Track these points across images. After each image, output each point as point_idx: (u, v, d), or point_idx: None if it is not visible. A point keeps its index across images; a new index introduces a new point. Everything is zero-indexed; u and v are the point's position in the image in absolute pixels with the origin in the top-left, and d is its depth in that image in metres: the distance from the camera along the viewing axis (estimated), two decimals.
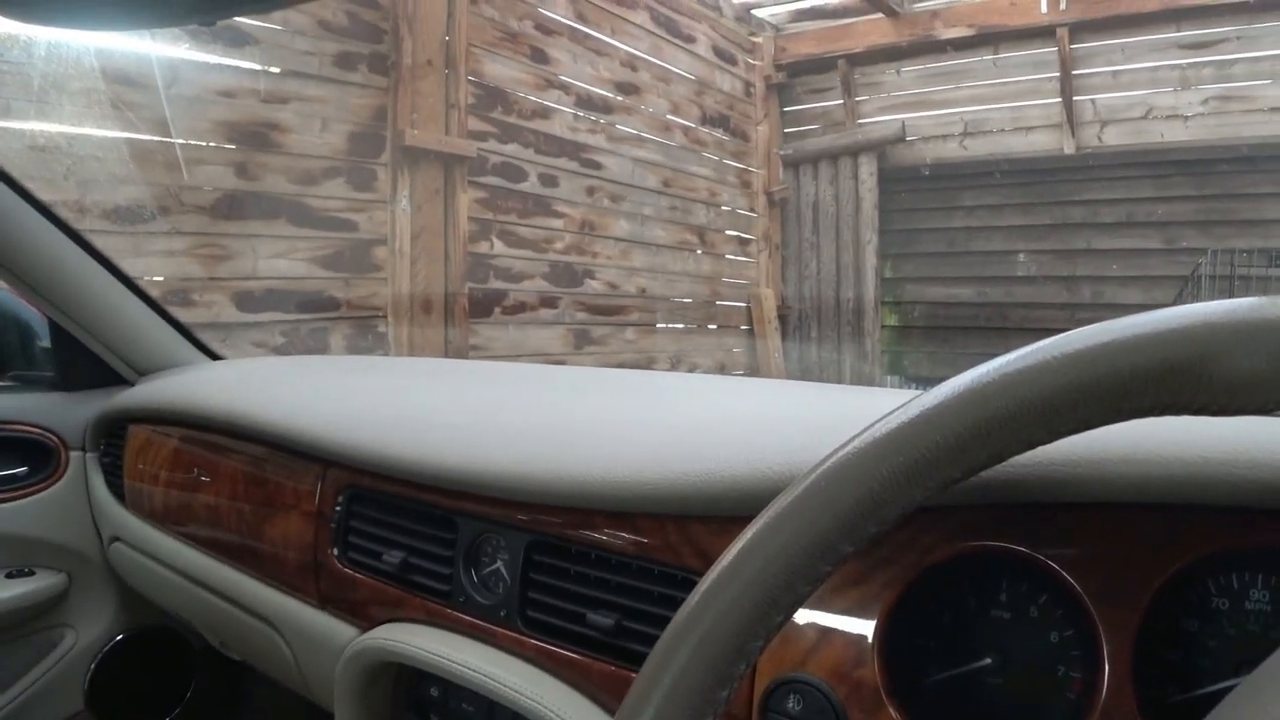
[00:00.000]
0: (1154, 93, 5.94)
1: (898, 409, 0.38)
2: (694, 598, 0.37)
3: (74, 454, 1.51)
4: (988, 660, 0.54)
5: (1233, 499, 0.47)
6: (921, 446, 0.36)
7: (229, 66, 3.36)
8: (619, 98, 5.48)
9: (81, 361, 1.53)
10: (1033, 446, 0.36)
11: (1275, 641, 0.47)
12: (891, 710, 0.53)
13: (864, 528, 0.36)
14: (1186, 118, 5.86)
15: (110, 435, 1.48)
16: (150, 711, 1.59)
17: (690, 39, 6.16)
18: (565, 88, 5.04)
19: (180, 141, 3.21)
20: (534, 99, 4.80)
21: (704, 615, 0.36)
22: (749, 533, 0.38)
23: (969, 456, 0.36)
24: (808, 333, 6.96)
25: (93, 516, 1.50)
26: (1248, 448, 0.47)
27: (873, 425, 0.38)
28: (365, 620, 0.94)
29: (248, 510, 1.12)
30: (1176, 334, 0.33)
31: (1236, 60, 5.69)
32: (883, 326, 6.93)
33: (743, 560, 0.37)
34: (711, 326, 6.53)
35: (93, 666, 1.51)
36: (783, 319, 6.96)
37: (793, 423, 0.79)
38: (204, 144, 3.30)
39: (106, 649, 1.53)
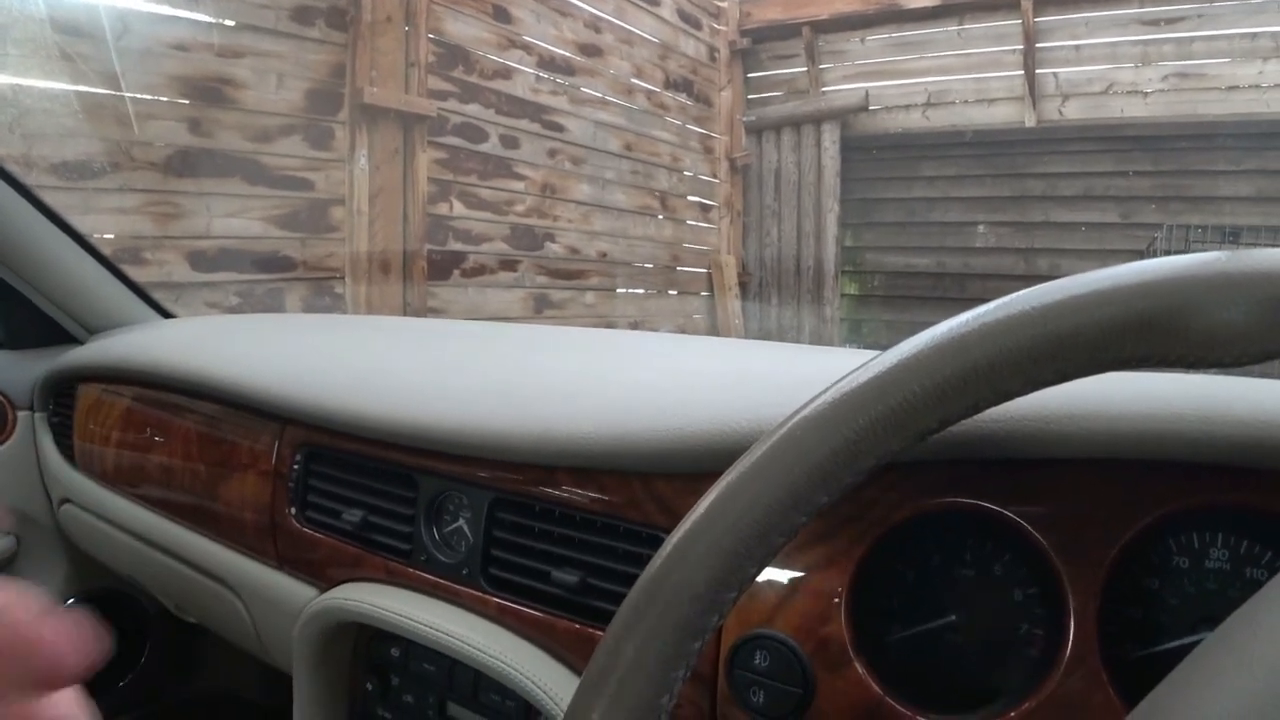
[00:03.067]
0: (1115, 68, 5.98)
1: (873, 359, 0.37)
2: (667, 547, 0.37)
3: (21, 414, 1.46)
4: (953, 617, 0.55)
5: (1206, 455, 0.47)
6: (900, 395, 0.35)
7: (181, 19, 3.26)
8: (582, 59, 5.41)
9: (29, 319, 1.49)
10: (1009, 398, 0.36)
11: (1233, 600, 0.48)
12: (858, 666, 0.54)
13: (840, 478, 0.36)
14: (1146, 94, 5.91)
15: (59, 394, 1.44)
16: (103, 676, 1.56)
17: (655, 1, 6.09)
18: (528, 48, 4.96)
19: (131, 95, 3.11)
20: (496, 59, 4.72)
21: (678, 565, 0.36)
22: (724, 482, 0.37)
23: (947, 406, 0.35)
24: (768, 299, 6.97)
25: (41, 478, 1.46)
26: (1222, 404, 0.47)
27: (849, 375, 0.37)
28: (324, 581, 0.93)
29: (203, 470, 1.10)
30: (1155, 285, 0.33)
31: (1195, 38, 5.74)
32: (842, 295, 6.95)
33: (717, 509, 0.36)
34: (672, 292, 6.52)
35: None
36: (743, 286, 6.96)
37: (760, 380, 0.79)
38: (156, 98, 3.20)
39: None
